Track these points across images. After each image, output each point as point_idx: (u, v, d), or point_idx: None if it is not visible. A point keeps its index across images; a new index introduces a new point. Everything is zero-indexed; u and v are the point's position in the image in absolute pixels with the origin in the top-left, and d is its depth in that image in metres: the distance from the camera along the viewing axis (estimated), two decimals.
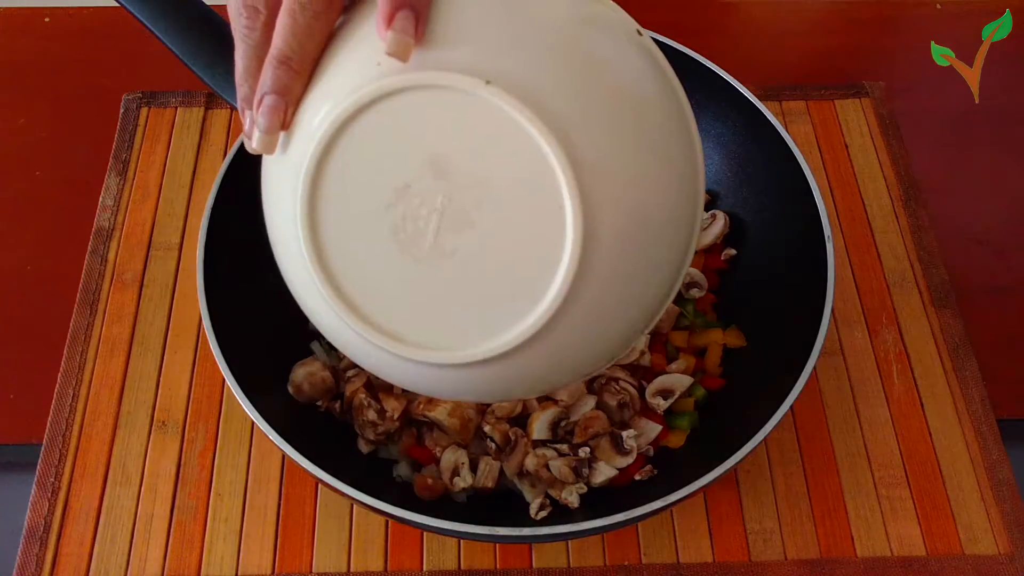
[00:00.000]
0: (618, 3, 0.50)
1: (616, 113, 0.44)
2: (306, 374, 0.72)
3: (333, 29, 0.45)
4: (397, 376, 0.52)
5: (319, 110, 0.43)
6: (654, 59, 0.48)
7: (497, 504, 0.69)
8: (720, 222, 0.80)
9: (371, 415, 0.70)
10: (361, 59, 0.43)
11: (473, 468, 0.69)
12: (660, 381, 0.73)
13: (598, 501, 0.68)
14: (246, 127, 0.47)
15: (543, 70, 0.42)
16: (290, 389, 0.72)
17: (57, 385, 0.78)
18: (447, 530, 0.61)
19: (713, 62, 0.77)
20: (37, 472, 0.73)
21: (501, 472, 0.69)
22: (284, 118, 0.44)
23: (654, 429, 0.71)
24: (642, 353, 0.73)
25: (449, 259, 0.44)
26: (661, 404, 0.72)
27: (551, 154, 0.41)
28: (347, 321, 0.46)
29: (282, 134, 0.45)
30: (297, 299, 0.51)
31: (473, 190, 0.43)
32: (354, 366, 0.75)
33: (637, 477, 0.69)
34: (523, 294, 0.43)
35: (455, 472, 0.68)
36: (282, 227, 0.47)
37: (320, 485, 0.72)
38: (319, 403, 0.72)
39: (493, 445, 0.69)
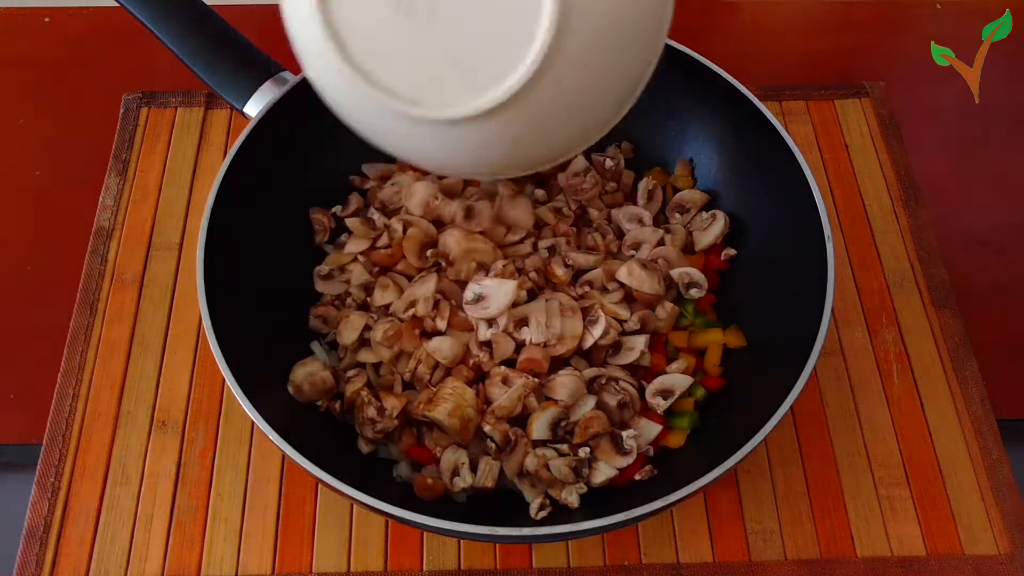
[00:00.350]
0: None
1: None
2: (306, 374, 0.72)
3: None
4: (400, 143, 0.58)
5: None
6: None
7: (497, 504, 0.69)
8: (720, 222, 0.80)
9: (371, 412, 0.70)
10: None
11: (473, 468, 0.69)
12: (660, 381, 0.73)
13: (598, 501, 0.68)
14: None
15: None
16: (290, 389, 0.72)
17: (57, 385, 0.78)
18: (447, 530, 0.61)
19: (713, 62, 0.77)
20: (37, 472, 0.73)
21: (501, 472, 0.69)
22: None
23: (654, 429, 0.71)
24: (642, 353, 0.73)
25: (441, 19, 0.49)
26: (661, 404, 0.72)
27: None
28: (357, 85, 0.52)
29: None
30: (314, 82, 0.57)
31: None
32: (354, 366, 0.75)
33: (637, 477, 0.69)
34: (510, 51, 0.49)
35: (455, 472, 0.68)
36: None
37: (320, 485, 0.72)
38: (319, 403, 0.72)
39: (493, 445, 0.69)
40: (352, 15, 0.50)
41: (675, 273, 0.78)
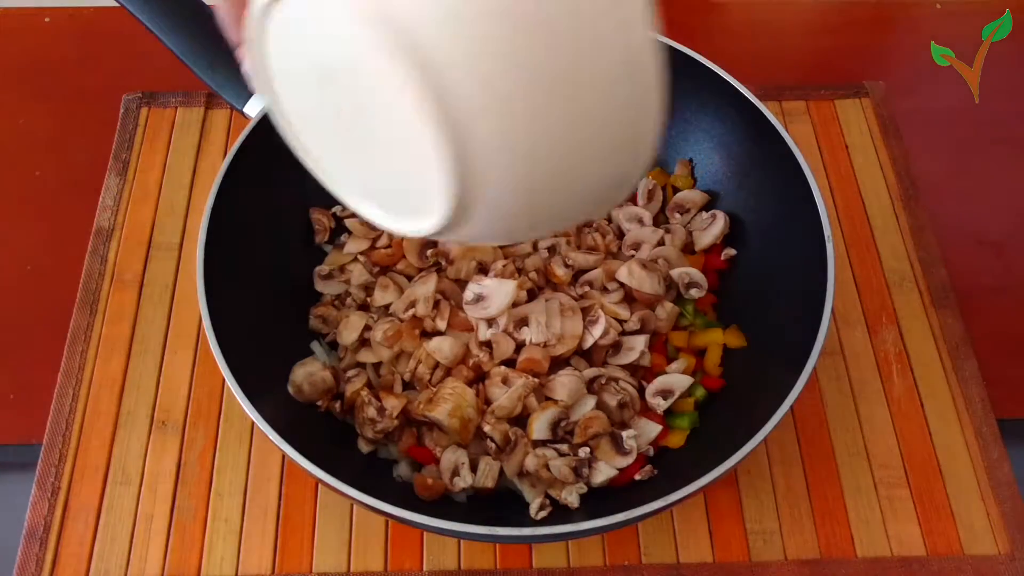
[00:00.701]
0: None
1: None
2: (306, 374, 0.72)
3: None
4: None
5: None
6: None
7: (497, 504, 0.69)
8: (720, 222, 0.80)
9: (371, 412, 0.70)
10: None
11: (473, 468, 0.69)
12: (660, 381, 0.73)
13: (598, 501, 0.68)
14: None
15: None
16: (290, 389, 0.72)
17: (57, 385, 0.78)
18: (447, 530, 0.61)
19: (713, 62, 0.77)
20: (37, 472, 0.73)
21: (501, 472, 0.69)
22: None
23: (654, 429, 0.71)
24: (642, 353, 0.73)
25: (371, 145, 0.45)
26: (661, 404, 0.72)
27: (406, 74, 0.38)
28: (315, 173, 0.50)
29: None
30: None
31: (359, 96, 0.42)
32: (354, 366, 0.75)
33: (637, 477, 0.69)
34: (427, 192, 0.43)
35: (455, 472, 0.68)
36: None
37: (320, 485, 0.72)
38: (319, 403, 0.72)
39: (493, 445, 0.69)
40: (295, 109, 0.48)
41: (675, 273, 0.78)
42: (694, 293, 0.78)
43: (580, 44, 0.39)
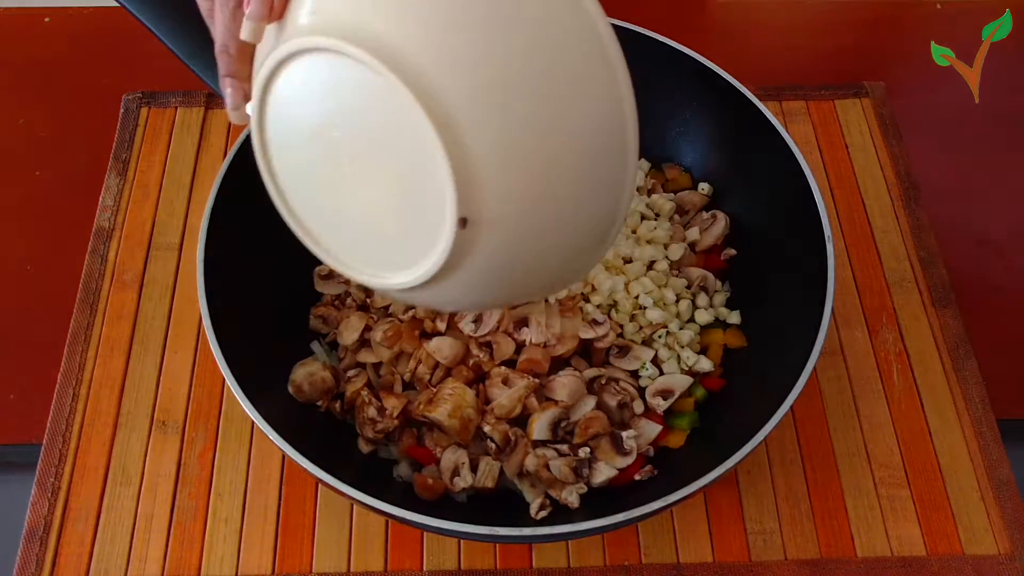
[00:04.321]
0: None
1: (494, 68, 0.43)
2: (306, 374, 0.72)
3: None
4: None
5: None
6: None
7: (497, 504, 0.69)
8: (720, 222, 0.80)
9: (371, 412, 0.70)
10: (269, 33, 0.48)
11: (473, 468, 0.69)
12: (660, 381, 0.73)
13: (598, 501, 0.68)
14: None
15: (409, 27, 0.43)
16: (290, 389, 0.72)
17: (57, 385, 0.78)
18: (447, 530, 0.61)
19: (713, 62, 0.77)
20: (37, 472, 0.73)
21: (501, 472, 0.69)
22: (243, 93, 0.52)
23: (654, 429, 0.71)
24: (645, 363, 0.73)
25: (365, 200, 0.47)
26: (661, 404, 0.72)
27: (421, 117, 0.41)
28: (298, 233, 0.52)
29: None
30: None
31: (362, 145, 0.45)
32: (354, 366, 0.75)
33: (637, 477, 0.69)
34: (421, 239, 0.45)
35: (455, 472, 0.68)
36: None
37: (320, 485, 0.72)
38: (319, 403, 0.72)
39: (493, 445, 0.69)
40: (287, 168, 0.50)
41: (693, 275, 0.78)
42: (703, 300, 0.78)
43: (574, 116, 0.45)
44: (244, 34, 0.48)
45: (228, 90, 0.52)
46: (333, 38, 0.42)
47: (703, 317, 0.76)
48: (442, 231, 0.44)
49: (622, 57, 0.46)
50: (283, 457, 0.73)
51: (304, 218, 0.51)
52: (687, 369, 0.74)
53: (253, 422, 0.61)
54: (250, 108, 0.49)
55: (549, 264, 0.50)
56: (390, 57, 0.41)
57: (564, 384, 0.70)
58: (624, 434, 0.69)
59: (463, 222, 0.43)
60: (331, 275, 0.79)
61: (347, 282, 0.78)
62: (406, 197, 0.45)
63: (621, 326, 0.75)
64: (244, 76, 0.52)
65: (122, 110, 0.94)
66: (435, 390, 0.70)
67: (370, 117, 0.44)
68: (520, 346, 0.72)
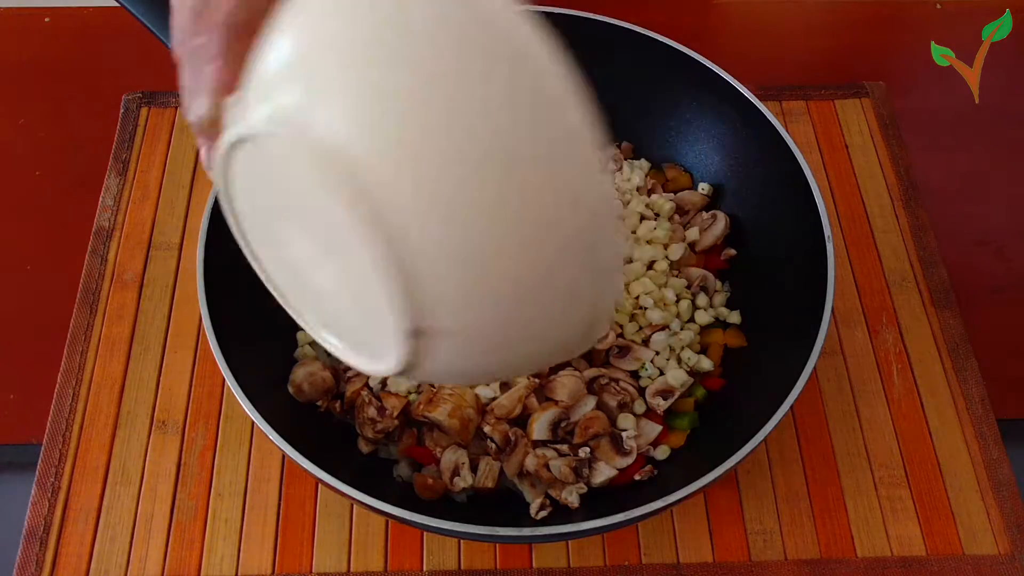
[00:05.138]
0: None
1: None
2: (306, 374, 0.72)
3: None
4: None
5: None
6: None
7: (497, 504, 0.69)
8: (720, 222, 0.80)
9: (371, 412, 0.70)
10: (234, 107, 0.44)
11: (473, 468, 0.69)
12: (660, 381, 0.73)
13: (598, 501, 0.68)
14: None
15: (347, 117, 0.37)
16: (290, 389, 0.72)
17: (57, 385, 0.77)
18: (447, 530, 0.61)
19: (713, 62, 0.77)
20: (37, 472, 0.73)
21: (501, 472, 0.69)
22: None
23: (654, 429, 0.71)
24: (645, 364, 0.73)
25: (326, 286, 0.44)
26: (661, 404, 0.72)
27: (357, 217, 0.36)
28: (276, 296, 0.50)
29: None
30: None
31: (317, 233, 0.41)
32: None
33: (637, 477, 0.69)
34: (382, 334, 0.40)
35: (455, 472, 0.68)
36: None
37: (320, 485, 0.72)
38: (319, 403, 0.72)
39: (493, 445, 0.69)
40: (256, 239, 0.47)
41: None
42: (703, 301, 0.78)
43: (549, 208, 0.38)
44: (190, 117, 0.46)
45: (201, 150, 0.50)
46: (263, 124, 0.38)
47: (703, 317, 0.76)
48: (395, 339, 0.39)
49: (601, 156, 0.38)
50: (283, 457, 0.73)
51: (277, 283, 0.49)
52: (687, 369, 0.74)
53: (253, 422, 0.61)
54: (216, 178, 0.45)
55: (531, 358, 0.45)
56: (326, 154, 0.36)
57: (564, 384, 0.70)
58: (624, 434, 0.69)
59: (416, 332, 0.38)
60: None
61: None
62: (360, 296, 0.41)
63: (621, 326, 0.75)
64: (214, 137, 0.48)
65: (122, 110, 0.94)
66: (435, 390, 0.70)
67: (315, 208, 0.39)
68: None
